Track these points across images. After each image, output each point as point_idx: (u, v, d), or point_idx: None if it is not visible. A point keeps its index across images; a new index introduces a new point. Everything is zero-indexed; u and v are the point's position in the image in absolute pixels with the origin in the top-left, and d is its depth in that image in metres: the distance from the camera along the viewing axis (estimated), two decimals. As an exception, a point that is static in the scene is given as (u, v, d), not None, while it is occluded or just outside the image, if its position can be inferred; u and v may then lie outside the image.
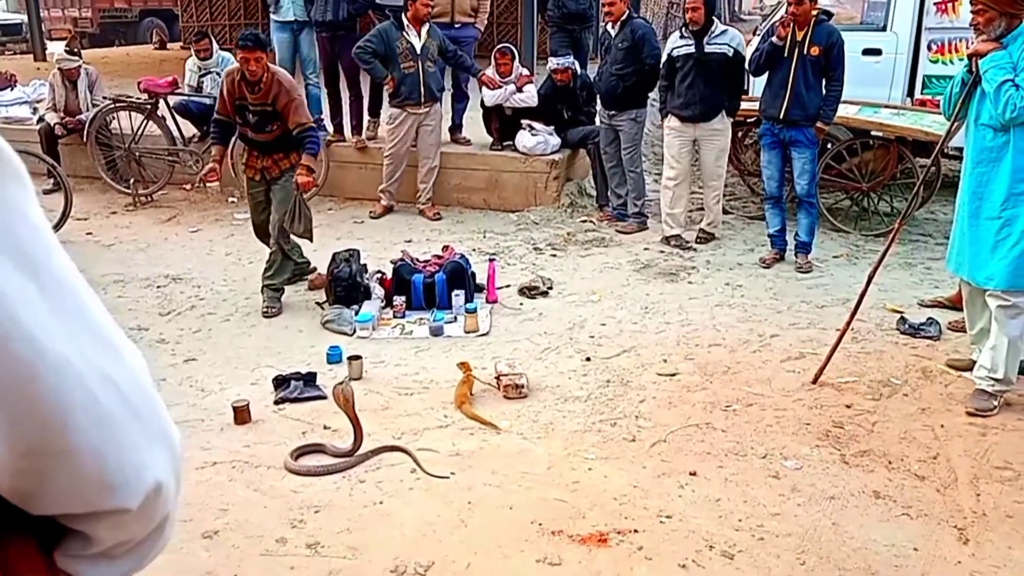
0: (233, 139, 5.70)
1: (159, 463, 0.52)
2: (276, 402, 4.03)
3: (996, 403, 3.81)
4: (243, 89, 4.94)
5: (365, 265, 5.39)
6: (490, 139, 7.40)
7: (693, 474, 3.39)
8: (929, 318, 4.81)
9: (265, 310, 5.08)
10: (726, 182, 7.80)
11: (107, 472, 0.49)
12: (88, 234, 6.68)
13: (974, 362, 4.05)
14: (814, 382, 4.14)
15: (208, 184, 5.36)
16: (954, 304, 5.16)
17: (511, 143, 7.25)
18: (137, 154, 7.56)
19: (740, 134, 7.29)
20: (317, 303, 5.28)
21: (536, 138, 7.08)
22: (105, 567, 0.54)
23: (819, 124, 5.71)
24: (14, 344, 0.45)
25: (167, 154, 7.56)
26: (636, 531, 3.03)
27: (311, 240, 5.28)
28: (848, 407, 3.92)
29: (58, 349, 0.47)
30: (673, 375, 4.27)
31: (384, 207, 7.11)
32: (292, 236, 5.16)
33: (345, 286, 5.12)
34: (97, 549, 0.52)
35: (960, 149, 5.96)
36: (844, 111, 6.22)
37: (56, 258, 0.50)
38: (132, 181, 7.43)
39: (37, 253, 0.48)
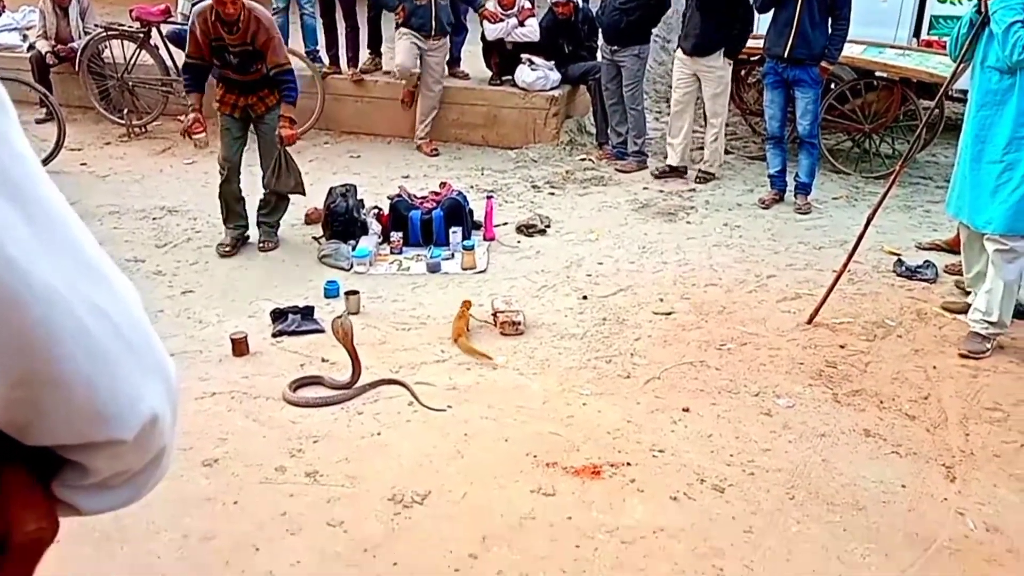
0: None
1: (154, 395, 0.52)
2: (274, 335, 4.04)
3: (989, 346, 3.85)
4: (219, 29, 4.65)
5: (362, 200, 5.36)
6: (489, 73, 7.29)
7: (686, 410, 3.44)
8: (926, 260, 4.82)
9: (261, 245, 5.07)
10: (728, 121, 7.75)
11: (100, 403, 0.49)
12: (82, 164, 6.61)
13: (969, 305, 4.07)
14: (809, 322, 4.16)
15: (195, 136, 4.99)
16: (951, 247, 5.17)
17: (510, 78, 7.14)
18: (130, 84, 7.43)
19: (743, 72, 7.18)
20: (314, 238, 5.26)
21: (536, 73, 6.97)
22: (102, 497, 0.54)
23: (823, 63, 5.63)
24: (1, 273, 0.44)
25: (160, 84, 7.43)
26: (629, 464, 3.08)
27: (303, 194, 5.10)
28: (842, 347, 3.95)
29: (46, 279, 0.46)
30: (669, 314, 4.29)
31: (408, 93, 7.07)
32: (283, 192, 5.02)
33: (342, 221, 5.09)
34: (94, 480, 0.53)
35: (964, 91, 5.91)
36: (849, 51, 6.12)
37: (43, 188, 0.49)
38: (126, 111, 7.32)
39: (22, 182, 0.47)
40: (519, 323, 4.05)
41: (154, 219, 5.53)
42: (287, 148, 4.88)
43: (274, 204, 5.10)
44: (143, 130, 7.39)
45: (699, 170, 6.41)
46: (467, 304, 4.11)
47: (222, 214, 5.08)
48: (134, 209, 5.68)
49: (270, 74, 4.79)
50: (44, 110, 6.84)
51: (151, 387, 0.52)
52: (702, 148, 6.62)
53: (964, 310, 4.14)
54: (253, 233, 5.15)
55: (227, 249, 4.99)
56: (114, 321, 0.49)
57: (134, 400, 0.51)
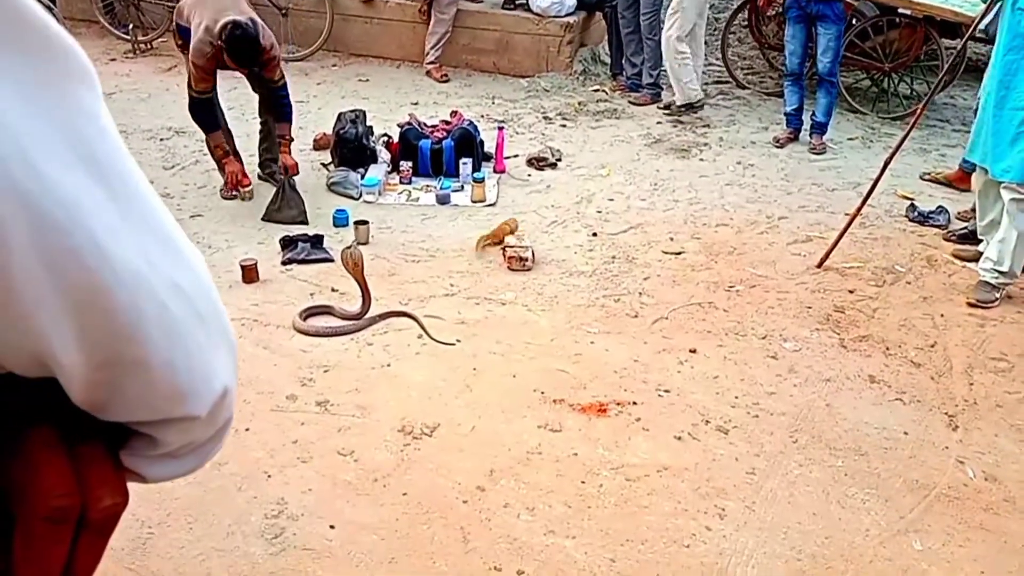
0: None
1: (224, 368, 0.52)
2: (283, 263, 4.05)
3: (998, 295, 3.85)
4: (228, 62, 4.19)
5: (371, 127, 5.28)
6: (503, -2, 7.11)
7: (693, 351, 3.46)
8: (939, 206, 4.78)
9: (267, 176, 4.87)
10: (744, 54, 7.60)
11: (179, 382, 0.49)
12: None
13: (980, 253, 4.06)
14: (819, 266, 4.16)
15: (243, 189, 4.58)
16: (951, 183, 5.15)
17: (524, 2, 6.96)
18: (135, -2, 7.26)
19: (761, 3, 6.98)
20: (322, 164, 5.21)
21: (551, -1, 6.79)
22: (168, 465, 0.55)
23: (848, -2, 5.49)
24: (88, 259, 0.44)
25: (166, -1, 7.26)
26: (635, 403, 3.12)
27: (307, 223, 4.44)
28: (851, 292, 3.95)
29: (131, 261, 0.46)
30: (678, 254, 4.28)
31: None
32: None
33: (351, 148, 5.03)
34: (163, 451, 0.53)
35: (986, 32, 5.77)
36: (874, -15, 5.96)
37: (125, 162, 0.48)
38: (131, 27, 7.16)
39: (107, 159, 0.46)
40: (527, 259, 4.05)
41: (161, 140, 5.48)
42: (291, 178, 4.52)
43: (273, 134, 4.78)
44: (149, 46, 7.25)
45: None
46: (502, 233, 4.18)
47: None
48: (141, 129, 5.62)
49: (266, 86, 4.47)
50: (47, 23, 6.69)
51: (222, 360, 0.52)
52: (715, 82, 6.49)
53: (975, 258, 4.13)
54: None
55: (232, 192, 4.70)
56: (190, 296, 0.49)
57: (209, 376, 0.51)
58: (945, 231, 4.56)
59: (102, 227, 0.44)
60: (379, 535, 2.48)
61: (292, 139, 4.59)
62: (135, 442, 0.53)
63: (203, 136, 4.60)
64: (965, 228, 4.47)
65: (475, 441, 2.89)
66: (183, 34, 4.41)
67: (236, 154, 4.64)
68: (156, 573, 2.34)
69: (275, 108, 4.56)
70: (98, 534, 0.50)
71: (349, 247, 3.61)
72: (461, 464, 2.78)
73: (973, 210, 4.56)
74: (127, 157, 0.48)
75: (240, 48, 4.08)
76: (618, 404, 3.11)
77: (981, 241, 4.13)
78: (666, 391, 3.20)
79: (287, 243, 4.14)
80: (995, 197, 3.92)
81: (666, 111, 6.28)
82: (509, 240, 4.12)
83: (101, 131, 0.46)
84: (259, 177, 4.89)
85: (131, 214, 0.47)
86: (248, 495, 2.62)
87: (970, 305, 3.83)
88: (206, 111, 4.44)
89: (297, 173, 4.57)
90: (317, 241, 4.17)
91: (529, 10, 6.90)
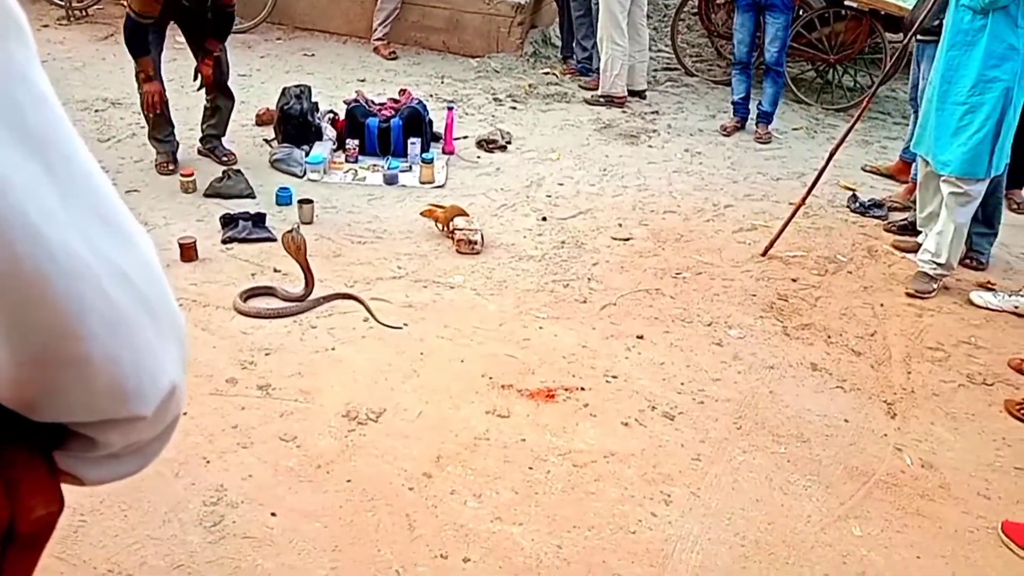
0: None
1: (173, 363, 0.48)
2: (224, 241, 3.93)
3: (935, 286, 3.94)
4: None
5: (316, 103, 5.15)
6: (453, -24, 7.00)
7: (640, 337, 3.47)
8: (875, 199, 4.87)
9: (225, 159, 4.68)
10: (693, 42, 7.64)
11: (122, 380, 0.44)
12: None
13: (919, 244, 4.15)
14: (763, 254, 4.21)
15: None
16: (891, 175, 5.27)
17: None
18: (69, -39, 6.95)
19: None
20: (265, 140, 5.07)
21: (502, -21, 6.72)
22: (109, 467, 0.49)
23: (796, -11, 5.54)
24: (20, 245, 0.38)
25: (102, -36, 6.97)
26: (582, 389, 3.12)
27: (254, 197, 4.36)
28: (794, 281, 4.01)
29: (71, 246, 0.40)
30: (627, 240, 4.28)
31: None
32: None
33: (296, 124, 4.90)
34: (104, 452, 0.48)
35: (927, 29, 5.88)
36: (822, -23, 6.04)
37: (65, 134, 0.42)
38: (64, -8, 6.86)
39: (45, 130, 0.40)
40: (476, 242, 4.00)
41: (96, 111, 5.27)
42: (232, 167, 4.47)
43: (220, 110, 4.64)
44: (84, 13, 6.96)
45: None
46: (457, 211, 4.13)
47: (149, 123, 4.49)
48: (75, 99, 5.39)
49: (217, 10, 4.29)
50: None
51: (170, 354, 0.47)
52: (663, 69, 6.51)
53: (914, 249, 4.23)
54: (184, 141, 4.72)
55: (170, 167, 4.52)
56: (136, 284, 0.44)
57: (155, 373, 0.46)
58: (886, 222, 4.65)
59: (36, 207, 0.39)
60: (322, 523, 2.43)
61: (218, 55, 4.42)
62: (72, 443, 0.47)
63: (139, 108, 4.44)
64: (905, 220, 4.57)
65: (422, 427, 2.85)
66: None
67: (160, 80, 4.39)
68: (88, 562, 2.25)
69: (218, 28, 4.37)
70: (29, 548, 0.45)
71: (291, 231, 3.50)
72: (407, 450, 2.73)
73: (901, 198, 4.68)
74: (68, 128, 0.42)
75: None
76: (566, 390, 3.10)
77: (920, 232, 4.23)
78: (614, 377, 3.20)
79: (228, 221, 4.02)
80: (935, 190, 4.01)
81: (587, 101, 6.18)
82: (458, 222, 4.07)
83: (39, 98, 0.41)
84: (199, 152, 4.75)
85: (74, 193, 0.41)
86: (186, 481, 2.54)
87: (909, 295, 3.92)
88: (141, 37, 4.19)
89: (210, 83, 4.43)
90: (259, 220, 4.05)
91: (480, -11, 6.82)
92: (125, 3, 4.12)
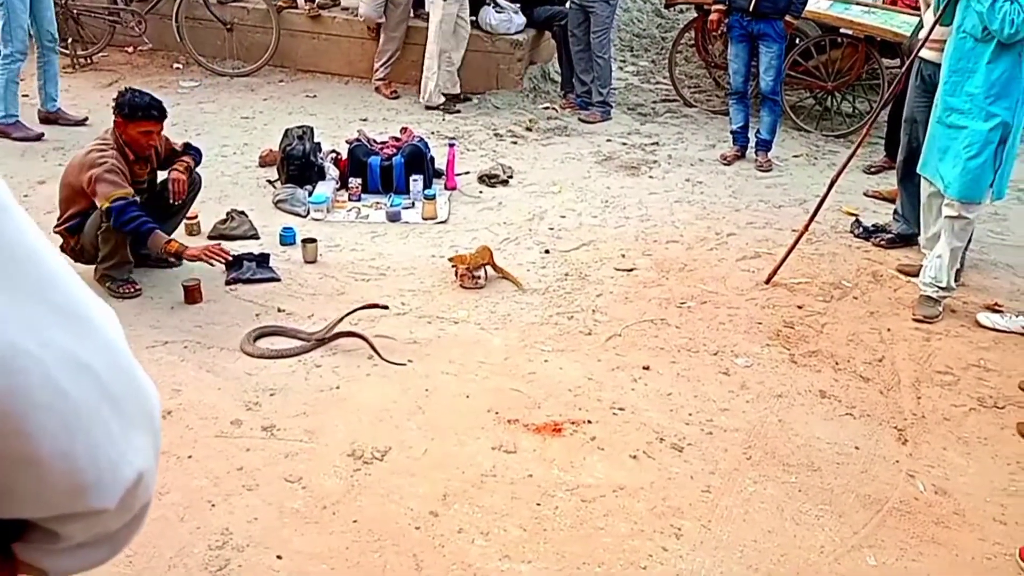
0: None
1: (139, 451, 0.45)
2: (228, 282, 3.94)
3: (940, 309, 3.92)
4: (133, 169, 3.77)
5: (319, 143, 5.20)
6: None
7: (646, 368, 3.45)
8: (878, 224, 4.86)
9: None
10: (691, 73, 7.69)
11: (78, 474, 0.42)
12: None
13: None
14: (767, 282, 4.19)
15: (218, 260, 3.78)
16: (893, 199, 5.26)
17: (474, 19, 6.95)
18: (75, 12, 7.05)
19: (705, 23, 7.08)
20: (268, 181, 5.11)
21: (501, 15, 6.80)
22: (77, 557, 0.47)
23: (788, 18, 5.59)
24: None
25: (107, 13, 7.08)
26: (589, 422, 3.09)
27: (258, 238, 4.30)
28: (799, 308, 3.99)
29: (13, 339, 0.38)
30: (630, 270, 4.28)
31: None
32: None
33: (298, 165, 4.94)
34: (66, 544, 0.46)
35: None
36: (815, 6, 6.09)
37: (7, 215, 0.40)
38: (70, 41, 6.96)
39: None
40: (479, 276, 4.00)
41: (101, 157, 5.30)
42: (240, 210, 4.32)
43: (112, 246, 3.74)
44: (88, 61, 7.07)
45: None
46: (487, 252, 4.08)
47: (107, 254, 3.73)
48: (79, 146, 5.43)
49: (173, 154, 3.99)
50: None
51: (136, 442, 0.45)
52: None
53: (919, 273, 4.21)
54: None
55: (137, 288, 3.81)
56: (96, 372, 0.42)
57: (117, 464, 0.44)
58: (876, 238, 4.65)
59: None
60: (329, 564, 2.40)
61: (192, 167, 4.00)
62: (33, 535, 0.45)
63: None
64: (892, 234, 4.58)
65: (428, 465, 2.83)
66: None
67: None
68: (92, 611, 2.22)
69: (189, 152, 4.06)
70: None
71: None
72: (413, 489, 2.71)
73: (896, 213, 4.68)
74: (13, 208, 0.40)
75: (142, 99, 3.69)
76: (573, 423, 3.08)
77: (916, 244, 4.22)
78: (620, 409, 3.18)
79: (232, 262, 4.03)
80: (938, 212, 4.00)
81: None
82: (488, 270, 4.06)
83: None
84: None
85: (16, 282, 0.39)
86: (191, 525, 2.52)
87: (916, 321, 3.89)
88: (133, 211, 3.56)
89: (183, 198, 3.93)
90: (263, 260, 4.07)
91: (479, 28, 6.90)
92: (99, 204, 3.60)
